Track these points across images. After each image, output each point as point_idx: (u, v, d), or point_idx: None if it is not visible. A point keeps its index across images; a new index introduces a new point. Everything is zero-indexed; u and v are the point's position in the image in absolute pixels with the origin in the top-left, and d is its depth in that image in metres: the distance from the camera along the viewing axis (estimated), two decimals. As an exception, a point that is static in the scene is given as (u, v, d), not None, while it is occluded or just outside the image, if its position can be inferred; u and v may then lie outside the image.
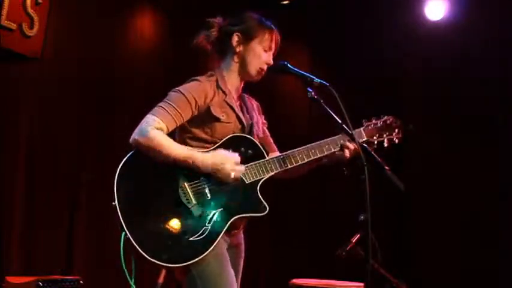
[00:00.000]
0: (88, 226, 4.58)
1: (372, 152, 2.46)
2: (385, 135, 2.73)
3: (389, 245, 5.07)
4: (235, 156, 2.44)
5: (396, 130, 2.74)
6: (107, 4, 4.85)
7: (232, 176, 2.40)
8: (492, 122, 5.38)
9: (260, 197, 2.49)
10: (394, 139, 2.74)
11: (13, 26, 4.06)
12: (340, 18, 5.98)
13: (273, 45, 2.65)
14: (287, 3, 5.96)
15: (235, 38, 2.62)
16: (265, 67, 2.63)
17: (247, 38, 2.62)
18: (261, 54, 2.62)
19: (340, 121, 2.40)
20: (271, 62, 2.64)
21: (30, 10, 4.14)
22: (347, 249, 3.10)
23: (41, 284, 3.52)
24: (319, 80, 2.46)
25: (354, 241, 3.11)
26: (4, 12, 3.98)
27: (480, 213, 5.31)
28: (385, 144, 2.72)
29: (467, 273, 5.33)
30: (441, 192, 5.57)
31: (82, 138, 4.63)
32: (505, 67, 5.35)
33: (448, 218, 5.53)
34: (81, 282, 3.75)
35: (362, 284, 2.24)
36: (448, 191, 5.53)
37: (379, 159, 2.41)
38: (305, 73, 2.51)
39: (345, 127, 2.39)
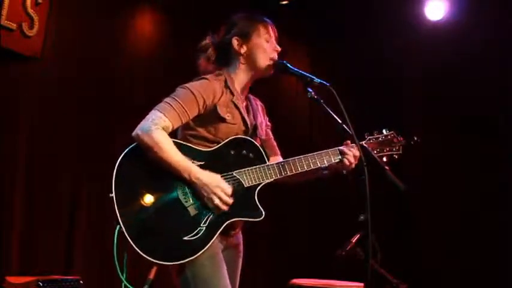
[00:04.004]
0: (88, 226, 4.58)
1: (372, 153, 2.46)
2: (385, 151, 2.72)
3: (389, 245, 5.07)
4: (228, 187, 2.39)
5: (397, 147, 2.73)
6: (107, 4, 4.84)
7: (216, 202, 2.35)
8: (492, 122, 5.39)
9: (257, 202, 2.47)
10: (394, 155, 2.73)
11: (13, 26, 4.06)
12: (340, 18, 5.98)
13: (272, 33, 2.66)
14: (287, 3, 5.96)
15: (235, 43, 2.62)
16: (275, 55, 2.62)
17: (245, 37, 2.62)
18: (265, 45, 2.62)
19: (340, 121, 2.40)
20: (279, 48, 2.65)
21: (30, 10, 4.15)
22: (347, 249, 3.09)
23: (41, 284, 3.51)
24: (319, 80, 2.46)
25: (353, 241, 3.10)
26: (4, 12, 3.98)
27: (480, 213, 5.31)
28: (384, 159, 2.71)
29: (467, 273, 5.33)
30: (441, 192, 5.57)
31: (82, 138, 4.62)
32: (505, 67, 5.35)
33: (448, 218, 5.53)
34: (81, 282, 3.74)
35: (362, 284, 2.24)
36: (448, 191, 5.54)
37: (379, 160, 2.42)
38: (305, 73, 2.51)
39: (345, 127, 2.39)
